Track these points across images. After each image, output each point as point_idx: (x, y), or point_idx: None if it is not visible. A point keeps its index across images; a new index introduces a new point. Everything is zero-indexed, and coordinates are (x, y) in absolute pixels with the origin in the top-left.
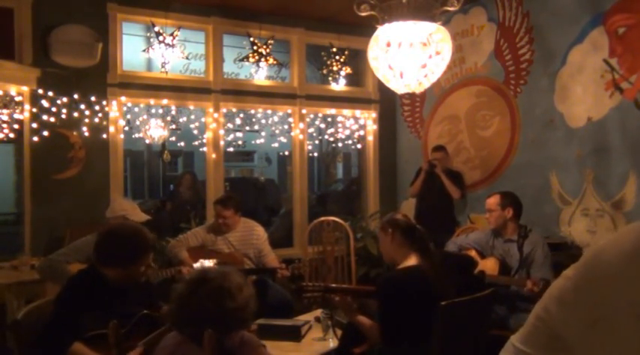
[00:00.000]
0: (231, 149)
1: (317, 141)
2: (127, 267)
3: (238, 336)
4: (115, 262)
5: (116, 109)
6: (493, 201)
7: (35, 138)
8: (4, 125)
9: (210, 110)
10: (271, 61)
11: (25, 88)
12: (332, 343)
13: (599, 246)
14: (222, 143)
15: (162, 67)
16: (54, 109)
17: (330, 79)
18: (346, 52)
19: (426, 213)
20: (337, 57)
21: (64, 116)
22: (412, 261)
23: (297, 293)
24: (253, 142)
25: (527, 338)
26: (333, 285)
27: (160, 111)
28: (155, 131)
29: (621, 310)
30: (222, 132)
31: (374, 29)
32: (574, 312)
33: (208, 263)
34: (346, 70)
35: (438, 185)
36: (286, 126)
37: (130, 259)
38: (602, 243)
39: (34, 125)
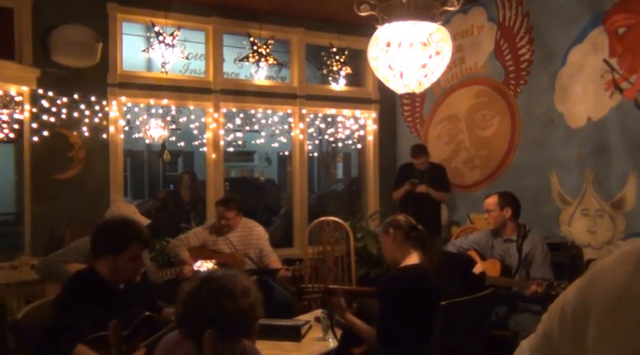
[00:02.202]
0: (231, 149)
1: (317, 141)
2: (115, 255)
3: (240, 347)
4: (103, 250)
5: (116, 109)
6: (492, 201)
7: (35, 138)
8: (4, 125)
9: (210, 110)
10: (271, 61)
11: (25, 88)
12: (332, 343)
13: (596, 269)
14: (222, 143)
15: (162, 67)
16: (54, 109)
17: (330, 79)
18: (346, 52)
19: (411, 215)
20: (337, 57)
21: (64, 116)
22: (413, 259)
23: (297, 295)
24: (253, 142)
25: (538, 350)
26: (333, 286)
27: (160, 111)
28: (155, 131)
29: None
30: (222, 132)
31: (374, 29)
32: (574, 348)
33: (207, 264)
34: (346, 70)
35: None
36: (286, 126)
37: (117, 246)
38: (601, 263)
39: (34, 125)
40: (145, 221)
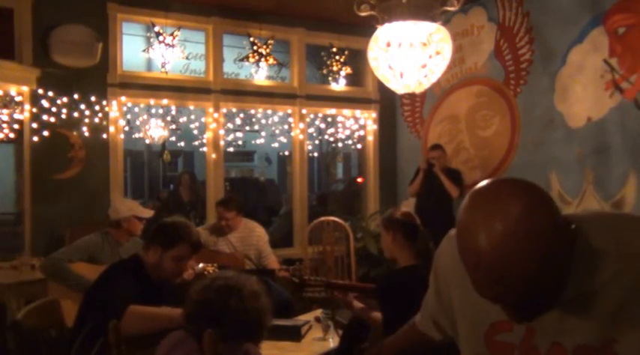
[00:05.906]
0: (231, 149)
1: (317, 141)
2: (164, 250)
3: (242, 349)
4: (155, 241)
5: (116, 109)
6: None
7: (35, 138)
8: (4, 125)
9: (210, 110)
10: (271, 61)
11: (25, 88)
12: (332, 343)
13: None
14: (222, 143)
15: (163, 67)
16: (54, 109)
17: (330, 79)
18: (346, 52)
19: (425, 212)
20: (337, 57)
21: (64, 116)
22: (412, 261)
23: (299, 287)
24: (253, 142)
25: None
26: (335, 281)
27: (160, 111)
28: (155, 131)
29: None
30: (222, 132)
31: (374, 29)
32: None
33: (208, 268)
34: (346, 70)
35: (437, 184)
36: (286, 126)
37: (168, 241)
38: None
39: (34, 125)
40: (148, 212)
